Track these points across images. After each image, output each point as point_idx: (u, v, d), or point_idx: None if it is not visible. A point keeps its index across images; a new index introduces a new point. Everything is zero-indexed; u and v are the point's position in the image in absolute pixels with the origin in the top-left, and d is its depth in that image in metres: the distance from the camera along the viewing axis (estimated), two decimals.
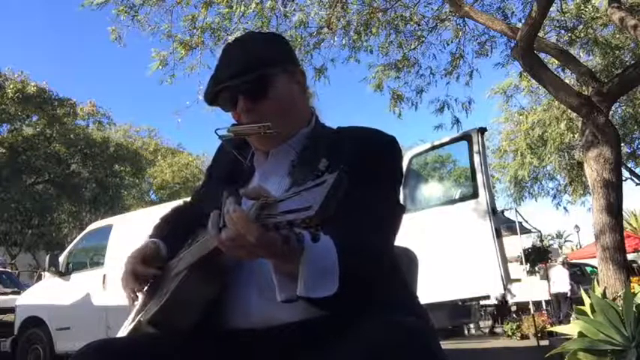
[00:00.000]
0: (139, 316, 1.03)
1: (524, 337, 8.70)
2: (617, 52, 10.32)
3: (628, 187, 17.02)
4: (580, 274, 14.15)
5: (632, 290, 3.99)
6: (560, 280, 10.77)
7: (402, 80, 8.03)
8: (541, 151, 14.63)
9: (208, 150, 28.23)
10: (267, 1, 6.53)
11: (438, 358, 0.80)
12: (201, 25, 6.55)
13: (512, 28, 6.43)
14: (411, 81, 8.06)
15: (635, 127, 14.31)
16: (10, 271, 13.83)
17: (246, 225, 0.75)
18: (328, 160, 0.96)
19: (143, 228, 1.20)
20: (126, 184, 21.60)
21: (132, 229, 6.07)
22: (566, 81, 7.04)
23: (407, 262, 1.23)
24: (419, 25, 7.79)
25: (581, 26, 8.66)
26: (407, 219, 1.07)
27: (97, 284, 6.20)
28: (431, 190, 6.52)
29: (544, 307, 10.56)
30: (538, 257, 8.55)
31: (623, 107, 13.49)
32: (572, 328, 3.64)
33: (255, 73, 1.05)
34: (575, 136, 12.92)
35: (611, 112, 6.87)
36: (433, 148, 6.12)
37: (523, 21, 6.44)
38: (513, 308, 11.47)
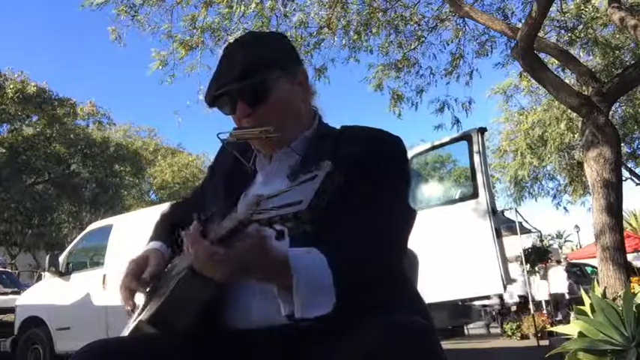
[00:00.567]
0: (140, 316, 1.03)
1: (524, 337, 8.70)
2: (617, 52, 10.31)
3: (628, 187, 17.03)
4: (580, 274, 14.14)
5: (632, 290, 3.99)
6: (557, 281, 10.77)
7: (402, 80, 8.05)
8: (541, 151, 14.63)
9: (208, 150, 28.29)
10: (267, 1, 6.53)
11: (439, 358, 0.80)
12: (201, 25, 6.56)
13: (512, 28, 6.44)
14: (411, 81, 8.09)
15: (635, 127, 14.31)
16: (10, 271, 13.83)
17: (196, 244, 0.81)
18: (332, 161, 0.97)
19: (143, 228, 1.19)
20: (126, 184, 21.60)
21: (132, 229, 6.06)
22: (566, 81, 7.04)
23: (407, 262, 1.23)
24: (419, 25, 7.80)
25: (581, 26, 8.66)
26: None
27: (97, 284, 6.20)
28: (431, 190, 6.52)
29: (544, 307, 10.56)
30: (538, 257, 8.57)
31: (623, 107, 13.49)
32: (572, 328, 3.64)
33: (254, 78, 1.03)
34: (575, 136, 12.92)
35: (611, 112, 6.87)
36: (433, 148, 6.12)
37: (523, 21, 6.45)
38: (513, 308, 11.47)
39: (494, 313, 12.99)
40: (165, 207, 1.35)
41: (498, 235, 5.07)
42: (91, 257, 7.13)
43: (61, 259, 6.83)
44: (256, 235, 0.77)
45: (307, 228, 0.70)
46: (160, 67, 6.67)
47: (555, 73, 6.98)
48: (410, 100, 8.07)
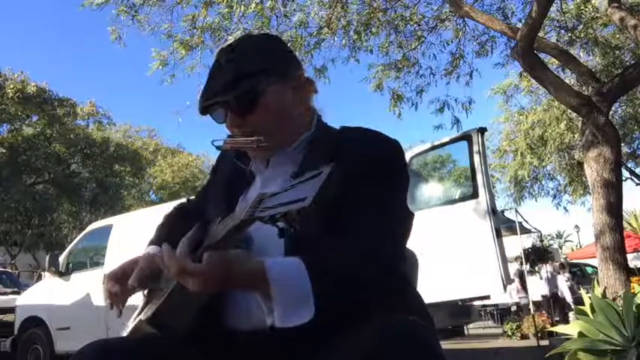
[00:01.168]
0: (140, 316, 1.03)
1: (524, 337, 8.70)
2: (617, 52, 10.31)
3: (628, 187, 17.03)
4: (580, 274, 14.15)
5: (632, 290, 4.00)
6: (552, 282, 10.76)
7: (402, 80, 8.05)
8: (541, 151, 14.63)
9: (208, 150, 28.29)
10: (267, 1, 6.53)
11: (439, 358, 0.80)
12: (201, 25, 6.56)
13: (512, 28, 6.44)
14: (411, 81, 8.08)
15: (635, 127, 14.31)
16: (10, 271, 13.82)
17: (168, 259, 0.84)
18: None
19: (143, 228, 1.20)
20: (126, 184, 21.60)
21: (132, 229, 6.06)
22: (566, 81, 7.04)
23: (407, 262, 1.23)
24: (419, 25, 7.80)
25: (581, 26, 8.67)
26: None
27: (97, 284, 6.19)
28: (431, 190, 6.52)
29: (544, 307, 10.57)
30: (538, 257, 8.57)
31: (623, 107, 13.49)
32: (572, 328, 3.64)
33: (242, 88, 1.02)
34: (575, 136, 12.92)
35: (611, 112, 6.87)
36: (433, 148, 6.12)
37: (523, 21, 6.44)
38: (513, 308, 11.48)
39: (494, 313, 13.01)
40: (165, 207, 1.36)
41: (498, 235, 5.07)
42: (91, 257, 7.12)
43: (61, 259, 6.83)
44: (217, 254, 0.83)
45: (311, 225, 0.71)
46: (160, 67, 6.67)
47: (555, 73, 6.97)
48: (410, 100, 8.08)
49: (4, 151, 17.26)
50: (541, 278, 10.04)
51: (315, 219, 0.70)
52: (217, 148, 1.09)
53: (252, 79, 1.03)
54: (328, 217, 0.76)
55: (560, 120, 13.50)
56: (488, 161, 6.39)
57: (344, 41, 7.59)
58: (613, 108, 8.97)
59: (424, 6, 7.71)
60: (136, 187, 24.32)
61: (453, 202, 5.63)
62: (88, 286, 6.33)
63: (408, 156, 5.95)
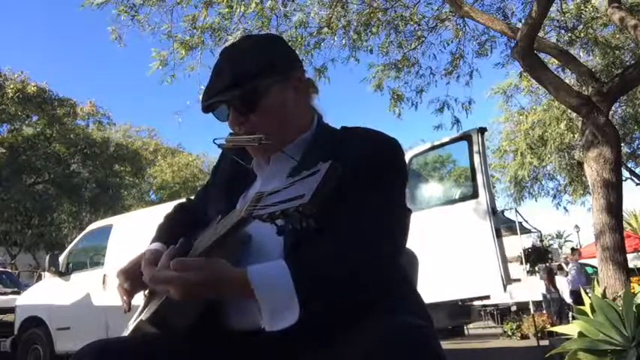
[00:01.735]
0: (140, 315, 1.03)
1: (524, 337, 8.71)
2: (617, 52, 10.31)
3: (628, 187, 17.01)
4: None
5: (632, 290, 4.00)
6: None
7: (402, 80, 8.04)
8: (541, 151, 14.63)
9: (208, 150, 28.33)
10: (267, 1, 6.53)
11: (439, 358, 0.80)
12: (201, 25, 6.55)
13: (512, 28, 6.43)
14: (411, 81, 8.07)
15: (635, 127, 14.31)
16: (10, 271, 13.82)
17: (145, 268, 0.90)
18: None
19: (143, 228, 1.20)
20: (126, 184, 21.61)
21: (132, 229, 6.07)
22: (566, 81, 7.04)
23: (407, 262, 1.23)
24: (419, 25, 7.79)
25: (581, 26, 8.66)
26: None
27: (97, 284, 6.20)
28: (431, 190, 6.52)
29: (544, 307, 10.55)
30: (538, 257, 8.55)
31: (623, 107, 13.49)
32: (572, 328, 3.64)
33: (244, 87, 1.03)
34: (575, 136, 12.92)
35: (611, 112, 6.87)
36: (433, 148, 6.12)
37: (523, 21, 6.44)
38: (513, 308, 11.47)
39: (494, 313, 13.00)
40: (165, 207, 1.36)
41: (498, 235, 5.07)
42: (91, 257, 7.13)
43: (61, 259, 6.83)
44: (192, 261, 0.86)
45: (310, 222, 0.71)
46: (160, 67, 6.66)
47: (555, 73, 6.97)
48: (410, 100, 8.07)
49: (4, 151, 17.27)
50: (541, 278, 10.02)
51: (315, 216, 0.70)
52: (219, 146, 1.10)
53: (255, 78, 1.04)
54: (327, 214, 0.76)
55: (560, 120, 13.50)
56: (488, 161, 6.39)
57: (344, 41, 7.59)
58: (613, 108, 8.97)
59: (424, 6, 7.71)
60: (136, 187, 24.32)
61: (453, 202, 5.64)
62: (88, 286, 6.33)
63: (408, 156, 5.95)
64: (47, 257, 6.91)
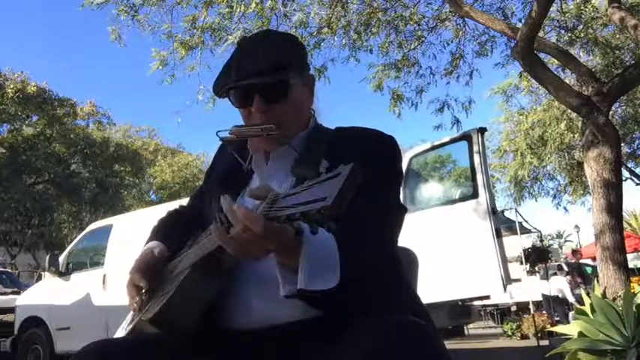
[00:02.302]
0: (140, 316, 1.03)
1: (524, 337, 8.71)
2: (617, 52, 10.31)
3: (628, 187, 17.02)
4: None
5: (632, 290, 4.00)
6: (555, 284, 10.75)
7: (402, 80, 8.04)
8: (541, 151, 14.63)
9: (208, 150, 28.30)
10: (267, 1, 6.52)
11: (440, 358, 0.80)
12: (201, 25, 6.55)
13: (512, 28, 6.43)
14: (411, 81, 8.07)
15: (635, 127, 14.30)
16: (10, 271, 13.83)
17: (249, 216, 0.75)
18: (328, 161, 0.97)
19: (143, 228, 1.20)
20: (126, 184, 21.61)
21: (132, 229, 6.07)
22: (566, 81, 7.03)
23: (407, 262, 1.23)
24: (419, 25, 7.79)
25: (581, 26, 8.66)
26: (407, 219, 1.07)
27: (97, 284, 6.20)
28: (431, 190, 6.52)
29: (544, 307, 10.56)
30: (538, 257, 8.56)
31: (623, 107, 13.48)
32: (572, 328, 3.64)
33: (278, 76, 1.05)
34: (575, 136, 12.92)
35: (611, 112, 6.86)
36: (433, 148, 6.12)
37: (523, 21, 6.44)
38: (513, 308, 11.48)
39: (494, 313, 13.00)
40: (165, 207, 1.36)
41: (498, 235, 5.07)
42: (91, 257, 7.13)
43: (61, 259, 6.83)
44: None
45: (331, 225, 0.70)
46: (160, 67, 6.67)
47: (555, 73, 6.97)
48: (410, 100, 8.07)
49: (4, 151, 17.27)
50: (541, 278, 10.03)
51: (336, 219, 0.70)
52: (221, 139, 1.10)
53: (286, 69, 1.06)
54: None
55: (560, 120, 13.50)
56: (488, 161, 6.39)
57: (344, 41, 7.59)
58: (613, 108, 8.96)
59: (424, 6, 7.71)
60: (136, 187, 24.32)
61: (453, 202, 5.63)
62: (88, 286, 6.33)
63: (408, 156, 5.95)
64: (47, 257, 6.91)
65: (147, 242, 1.17)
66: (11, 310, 7.48)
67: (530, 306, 9.05)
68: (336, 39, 7.52)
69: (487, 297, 6.07)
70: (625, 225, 9.58)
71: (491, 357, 7.35)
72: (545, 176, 16.28)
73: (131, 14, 6.45)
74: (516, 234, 6.42)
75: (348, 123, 1.16)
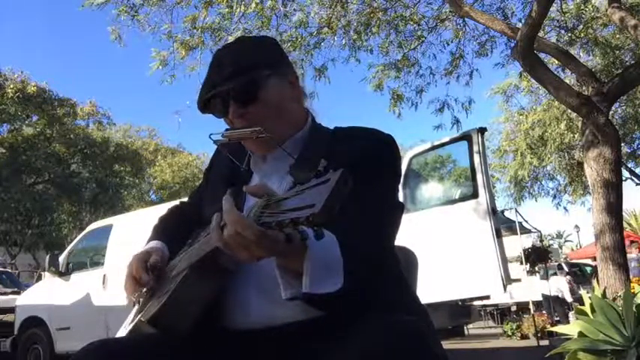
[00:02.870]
0: (139, 316, 1.03)
1: (524, 337, 8.70)
2: (617, 52, 10.31)
3: (628, 187, 17.00)
4: (580, 274, 14.15)
5: (632, 290, 3.99)
6: (555, 284, 10.76)
7: (402, 80, 8.04)
8: (541, 151, 14.62)
9: (208, 150, 28.23)
10: (267, 1, 6.53)
11: (438, 358, 0.80)
12: (201, 25, 6.55)
13: (512, 28, 6.43)
14: (411, 81, 8.07)
15: (635, 127, 14.30)
16: (10, 271, 13.82)
17: (239, 222, 0.76)
18: (327, 161, 0.97)
19: (143, 228, 1.20)
20: (126, 184, 21.61)
21: (132, 229, 6.06)
22: (566, 81, 7.03)
23: (406, 262, 1.23)
24: (419, 25, 7.79)
25: (581, 26, 8.66)
26: (407, 219, 1.08)
27: (97, 284, 6.20)
28: (431, 190, 6.52)
29: (544, 307, 10.56)
30: (538, 257, 8.57)
31: (623, 107, 13.48)
32: (572, 328, 3.64)
33: (245, 77, 1.04)
34: (575, 136, 12.92)
35: (611, 112, 6.87)
36: (433, 148, 6.12)
37: (523, 21, 6.44)
38: (513, 308, 11.48)
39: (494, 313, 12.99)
40: (165, 207, 1.36)
41: (498, 235, 5.07)
42: (91, 257, 7.12)
43: (61, 259, 6.83)
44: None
45: (320, 232, 0.70)
46: (160, 67, 6.67)
47: (555, 73, 6.97)
48: (410, 100, 8.07)
49: (4, 151, 17.27)
50: (541, 278, 10.04)
51: (325, 225, 0.70)
52: (215, 142, 1.10)
53: (254, 70, 1.05)
54: None
55: (560, 120, 13.49)
56: (488, 161, 6.39)
57: (344, 41, 7.59)
58: (613, 108, 8.97)
59: (424, 6, 7.71)
60: (136, 187, 24.32)
61: (453, 202, 5.63)
62: (88, 286, 6.33)
63: (407, 156, 5.95)
64: (47, 257, 6.91)
65: (148, 241, 1.17)
66: (11, 310, 7.48)
67: (530, 306, 9.04)
68: (336, 39, 7.53)
69: (487, 297, 6.07)
70: (625, 225, 9.57)
71: (491, 357, 7.34)
72: (545, 176, 16.28)
73: (131, 14, 6.45)
74: (516, 234, 6.43)
75: (348, 123, 1.16)
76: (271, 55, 1.12)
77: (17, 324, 7.03)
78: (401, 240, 1.08)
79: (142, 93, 50.61)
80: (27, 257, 20.46)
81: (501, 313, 13.35)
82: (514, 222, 6.42)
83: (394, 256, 1.04)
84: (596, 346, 3.17)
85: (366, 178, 0.96)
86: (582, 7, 8.44)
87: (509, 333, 9.09)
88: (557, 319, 9.55)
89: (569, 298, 10.43)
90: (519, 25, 6.63)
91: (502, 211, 6.07)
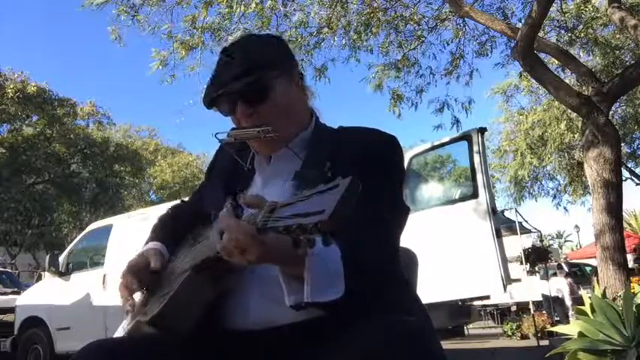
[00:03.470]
0: (139, 316, 1.03)
1: (524, 337, 8.69)
2: (617, 52, 10.31)
3: (628, 187, 17.00)
4: (580, 274, 14.14)
5: (632, 290, 3.99)
6: (555, 284, 10.75)
7: (402, 80, 8.05)
8: (541, 151, 14.63)
9: (208, 150, 28.29)
10: (267, 1, 6.53)
11: (437, 358, 0.80)
12: (201, 25, 6.55)
13: (513, 28, 6.44)
14: (411, 81, 8.08)
15: (635, 127, 14.30)
16: (10, 271, 13.81)
17: (239, 230, 0.77)
18: (331, 162, 0.96)
19: (143, 228, 1.19)
20: (126, 184, 21.61)
21: (132, 229, 6.06)
22: (566, 81, 7.04)
23: (407, 262, 1.23)
24: (419, 25, 7.80)
25: (581, 26, 8.67)
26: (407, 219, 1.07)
27: (97, 284, 6.20)
28: (431, 190, 6.52)
29: (544, 307, 10.55)
30: (538, 257, 8.55)
31: (623, 107, 13.49)
32: (572, 328, 3.64)
33: (254, 77, 1.03)
34: (575, 136, 12.92)
35: (611, 112, 6.87)
36: (433, 148, 6.12)
37: (523, 21, 6.44)
38: (513, 308, 11.47)
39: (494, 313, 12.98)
40: (165, 207, 1.35)
41: (498, 235, 5.07)
42: (91, 257, 7.12)
43: (61, 259, 6.82)
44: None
45: (328, 239, 0.70)
46: (160, 67, 6.68)
47: (555, 73, 6.97)
48: (410, 100, 8.08)
49: (4, 151, 17.27)
50: (541, 278, 10.03)
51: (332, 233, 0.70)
52: (220, 141, 1.09)
53: (263, 70, 1.05)
54: None
55: (560, 120, 13.50)
56: (488, 161, 6.39)
57: (344, 41, 7.60)
58: (613, 108, 8.96)
59: (424, 6, 7.72)
60: (136, 187, 24.32)
61: (453, 202, 5.63)
62: (88, 286, 6.33)
63: (407, 156, 5.95)
64: (47, 257, 6.91)
65: (147, 241, 1.16)
66: (11, 310, 7.47)
67: (530, 306, 9.03)
68: (336, 39, 7.53)
69: (487, 297, 6.06)
70: (625, 225, 9.57)
71: (491, 357, 7.34)
72: (545, 176, 16.29)
73: (131, 14, 6.46)
74: (516, 234, 6.42)
75: (348, 123, 1.15)
76: (280, 54, 1.12)
77: (17, 324, 7.02)
78: (401, 240, 1.08)
79: (142, 93, 50.62)
80: (27, 257, 20.46)
81: (501, 313, 13.34)
82: (514, 222, 6.40)
83: (398, 258, 1.04)
84: (596, 346, 3.17)
85: (370, 179, 0.96)
86: (582, 7, 8.45)
87: (509, 333, 9.08)
88: (557, 319, 9.54)
89: (568, 301, 10.43)
90: (519, 25, 6.64)
91: (502, 211, 6.06)
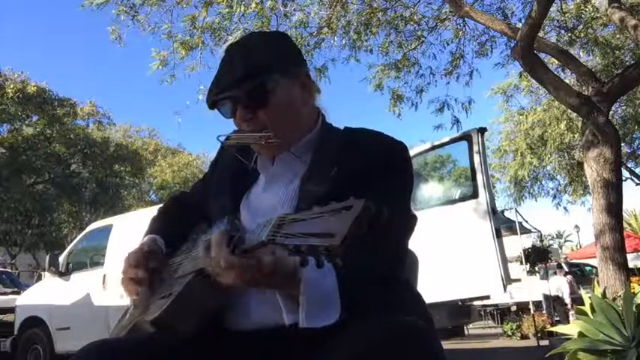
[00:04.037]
0: (139, 315, 1.02)
1: (524, 337, 8.71)
2: (617, 52, 10.31)
3: (628, 187, 17.00)
4: (580, 274, 14.15)
5: (632, 290, 3.99)
6: (554, 284, 10.77)
7: (402, 80, 8.05)
8: (541, 151, 14.63)
9: (208, 150, 28.32)
10: (267, 1, 6.53)
11: (438, 358, 0.80)
12: (201, 25, 6.55)
13: (513, 28, 6.43)
14: (411, 81, 8.09)
15: (635, 127, 14.30)
16: (10, 271, 13.81)
17: (225, 259, 0.80)
18: (338, 166, 0.96)
19: (143, 228, 1.19)
20: (126, 184, 21.62)
21: (132, 229, 6.06)
22: (566, 81, 7.04)
23: (407, 263, 1.22)
24: (419, 25, 7.80)
25: (581, 26, 8.66)
26: None
27: (97, 284, 6.20)
28: (431, 190, 6.51)
29: (544, 307, 10.56)
30: (538, 257, 8.56)
31: (623, 107, 13.48)
32: (572, 328, 3.64)
33: (254, 82, 1.01)
34: (575, 136, 12.92)
35: (611, 112, 6.87)
36: (433, 148, 6.12)
37: (523, 21, 6.44)
38: (513, 308, 11.47)
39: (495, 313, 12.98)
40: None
41: (498, 235, 5.07)
42: (91, 257, 7.12)
43: (61, 259, 6.82)
44: (273, 257, 0.80)
45: (337, 261, 0.69)
46: (160, 67, 6.67)
47: (555, 73, 6.97)
48: (410, 100, 8.09)
49: (4, 151, 17.27)
50: (541, 278, 10.04)
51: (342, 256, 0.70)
52: (222, 144, 1.09)
53: (264, 73, 1.03)
54: None
55: (560, 120, 13.50)
56: (488, 161, 6.38)
57: (344, 41, 7.60)
58: (613, 108, 8.96)
59: (424, 6, 7.73)
60: (136, 187, 24.33)
61: (453, 202, 5.63)
62: (88, 286, 6.33)
63: (411, 162, 5.94)
64: (47, 257, 6.90)
65: (147, 232, 1.15)
66: (11, 310, 7.47)
67: (530, 306, 9.04)
68: (336, 39, 7.54)
69: (487, 297, 6.07)
70: (625, 225, 9.57)
71: (491, 357, 7.35)
72: (545, 176, 16.29)
73: (131, 14, 6.46)
74: (516, 234, 6.41)
75: (348, 123, 1.13)
76: (282, 56, 1.09)
77: (17, 324, 7.02)
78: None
79: (142, 93, 50.57)
80: (27, 257, 20.46)
81: (501, 313, 13.34)
82: (514, 222, 6.40)
83: (404, 267, 1.04)
84: (596, 346, 3.17)
85: (382, 187, 0.95)
86: (582, 7, 8.44)
87: (509, 333, 9.10)
88: (557, 319, 9.55)
89: (567, 300, 10.43)
90: (519, 25, 6.63)
91: (502, 211, 6.06)
